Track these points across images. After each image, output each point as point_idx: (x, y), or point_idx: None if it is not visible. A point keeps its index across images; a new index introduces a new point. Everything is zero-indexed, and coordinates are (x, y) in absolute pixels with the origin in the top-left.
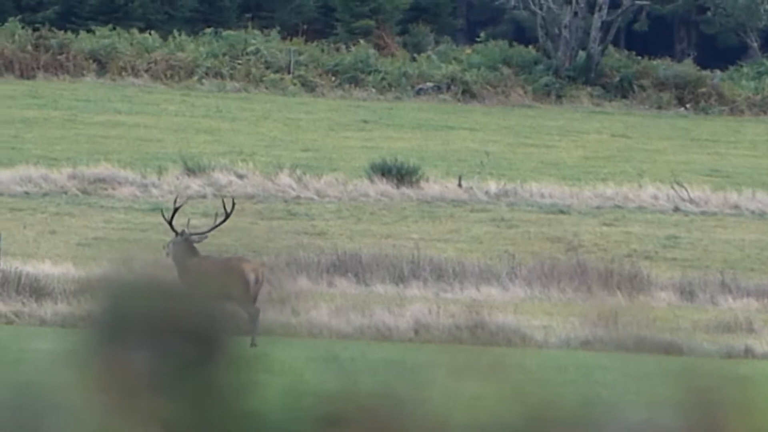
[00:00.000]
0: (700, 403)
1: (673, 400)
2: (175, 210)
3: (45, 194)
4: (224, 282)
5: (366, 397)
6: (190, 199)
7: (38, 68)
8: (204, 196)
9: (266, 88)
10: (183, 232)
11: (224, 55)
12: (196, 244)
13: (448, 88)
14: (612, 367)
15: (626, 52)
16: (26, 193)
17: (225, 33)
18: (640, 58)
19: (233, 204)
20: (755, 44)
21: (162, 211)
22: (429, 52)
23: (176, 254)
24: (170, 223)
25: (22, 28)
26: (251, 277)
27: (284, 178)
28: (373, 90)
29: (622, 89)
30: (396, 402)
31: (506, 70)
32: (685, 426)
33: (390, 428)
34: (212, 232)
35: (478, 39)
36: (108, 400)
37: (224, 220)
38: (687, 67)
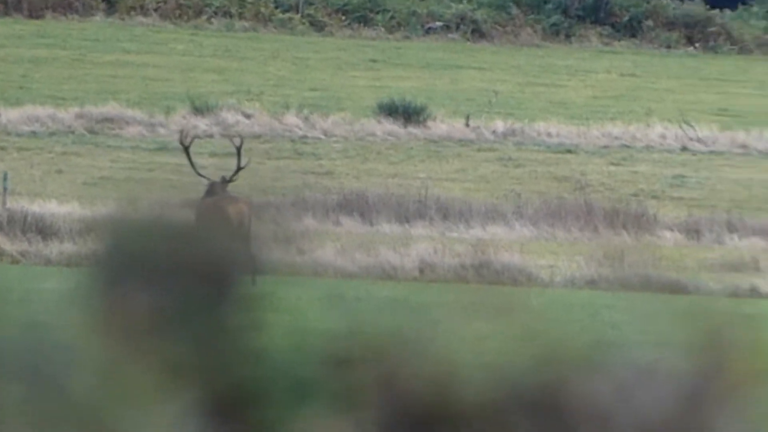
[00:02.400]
0: (707, 342)
1: (680, 339)
2: (187, 150)
3: (52, 134)
4: (214, 221)
5: (371, 336)
6: (197, 138)
7: (47, 8)
8: (211, 136)
9: (275, 27)
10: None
11: None
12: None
13: (458, 27)
14: (618, 306)
15: None
16: (33, 132)
17: None
18: None
19: (241, 142)
20: None
21: (188, 154)
22: None
23: (203, 196)
24: (192, 164)
25: None
26: (233, 217)
27: (291, 118)
28: (383, 29)
29: (631, 28)
30: (402, 342)
31: (515, 10)
32: (693, 366)
33: (396, 368)
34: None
35: None
36: (113, 340)
37: (240, 161)
38: (696, 6)
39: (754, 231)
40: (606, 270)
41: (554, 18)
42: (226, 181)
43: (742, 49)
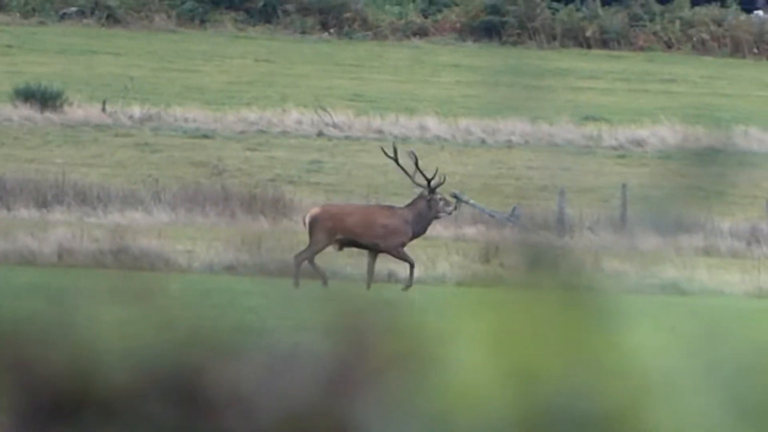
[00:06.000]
0: (348, 326)
1: (320, 324)
2: None
3: None
4: None
5: (6, 322)
6: None
7: None
8: None
9: None
10: None
11: None
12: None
13: (92, 12)
14: (256, 291)
15: None
16: None
17: None
18: None
19: None
20: None
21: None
22: None
23: None
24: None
25: None
26: None
27: None
28: (17, 15)
29: (266, 14)
30: (38, 327)
31: None
32: (334, 351)
33: (32, 354)
34: None
35: None
36: None
37: None
38: None
39: None
40: (244, 255)
41: (188, 4)
42: None
43: (377, 34)
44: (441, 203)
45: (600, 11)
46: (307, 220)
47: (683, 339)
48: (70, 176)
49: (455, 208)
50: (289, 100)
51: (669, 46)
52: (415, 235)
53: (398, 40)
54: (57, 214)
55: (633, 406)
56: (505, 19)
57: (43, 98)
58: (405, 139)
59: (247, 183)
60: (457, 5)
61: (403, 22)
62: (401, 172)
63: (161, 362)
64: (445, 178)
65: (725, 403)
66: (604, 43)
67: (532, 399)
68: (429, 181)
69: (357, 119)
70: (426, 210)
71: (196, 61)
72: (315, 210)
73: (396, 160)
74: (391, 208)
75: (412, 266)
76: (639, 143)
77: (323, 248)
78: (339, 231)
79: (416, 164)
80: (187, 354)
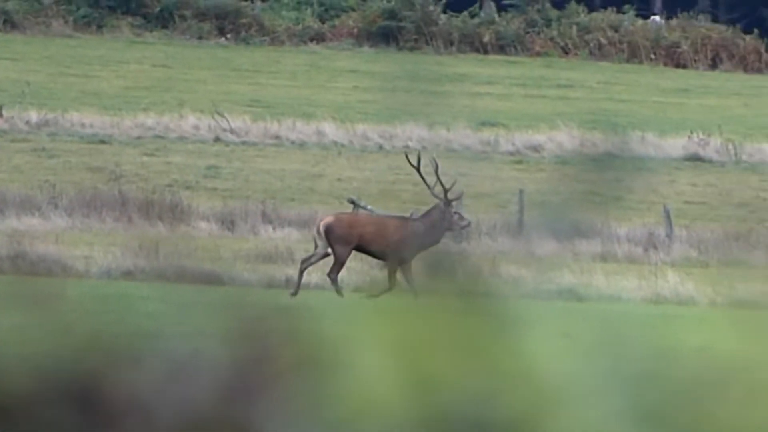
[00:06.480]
0: (246, 332)
1: (218, 330)
2: None
3: None
4: None
5: None
6: None
7: None
8: None
9: None
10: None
11: None
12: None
13: None
14: (154, 297)
15: None
16: None
17: None
18: None
19: None
20: None
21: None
22: None
23: None
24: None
25: None
26: None
27: None
28: None
29: (163, 19)
30: None
31: (47, 0)
32: (232, 355)
33: None
34: None
35: None
36: None
37: None
38: None
39: (289, 222)
40: (142, 261)
41: (83, 9)
42: None
43: (274, 39)
44: (456, 216)
45: (497, 17)
46: (322, 229)
47: (581, 345)
48: None
49: (468, 224)
50: (186, 105)
51: (566, 51)
52: (425, 246)
53: (295, 45)
54: None
55: (532, 412)
56: (402, 24)
57: None
58: (302, 145)
59: (144, 188)
60: (354, 11)
61: (300, 27)
62: (421, 181)
63: (59, 368)
64: (463, 192)
65: (623, 409)
66: (501, 49)
67: (431, 405)
68: (446, 191)
69: (254, 125)
70: (440, 222)
71: (93, 67)
72: (329, 219)
73: (418, 170)
74: (404, 219)
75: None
76: (536, 149)
77: (347, 258)
78: (355, 239)
79: (436, 172)
80: (85, 360)
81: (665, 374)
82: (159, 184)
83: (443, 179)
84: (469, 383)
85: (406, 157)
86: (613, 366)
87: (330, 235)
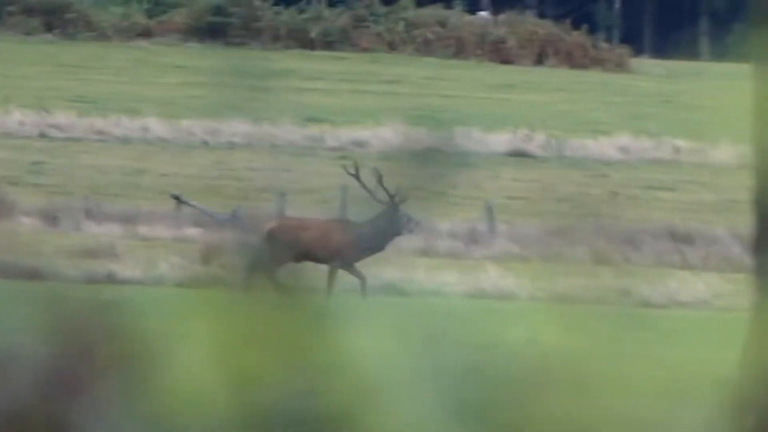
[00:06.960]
0: (66, 328)
1: (37, 325)
2: None
3: None
4: None
5: None
6: None
7: None
8: None
9: None
10: None
11: None
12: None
13: None
14: None
15: None
16: None
17: None
18: None
19: None
20: None
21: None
22: None
23: None
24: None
25: None
26: None
27: None
28: None
29: None
30: None
31: None
32: (52, 351)
33: None
34: None
35: None
36: None
37: None
38: None
39: (112, 217)
40: None
41: None
42: None
43: (100, 35)
44: (404, 219)
45: (325, 12)
46: (265, 233)
47: (404, 340)
48: None
49: (417, 224)
50: (12, 101)
51: (392, 47)
52: (370, 252)
53: (122, 41)
54: None
55: (353, 406)
56: (229, 20)
57: None
58: (126, 140)
59: None
60: (182, 6)
61: (127, 23)
62: (362, 188)
63: None
64: (408, 195)
65: (444, 402)
66: (328, 45)
67: (251, 400)
68: (392, 197)
69: (79, 120)
70: (389, 227)
71: None
72: (272, 223)
73: (357, 178)
74: (348, 223)
75: (363, 280)
76: (361, 144)
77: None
78: (298, 244)
79: (379, 181)
80: None
81: (487, 368)
82: None
83: (273, 174)
84: (289, 379)
85: (344, 167)
86: (435, 360)
87: (272, 239)
